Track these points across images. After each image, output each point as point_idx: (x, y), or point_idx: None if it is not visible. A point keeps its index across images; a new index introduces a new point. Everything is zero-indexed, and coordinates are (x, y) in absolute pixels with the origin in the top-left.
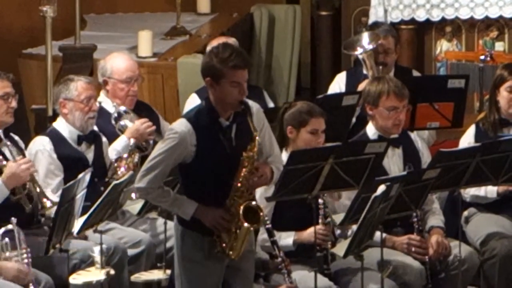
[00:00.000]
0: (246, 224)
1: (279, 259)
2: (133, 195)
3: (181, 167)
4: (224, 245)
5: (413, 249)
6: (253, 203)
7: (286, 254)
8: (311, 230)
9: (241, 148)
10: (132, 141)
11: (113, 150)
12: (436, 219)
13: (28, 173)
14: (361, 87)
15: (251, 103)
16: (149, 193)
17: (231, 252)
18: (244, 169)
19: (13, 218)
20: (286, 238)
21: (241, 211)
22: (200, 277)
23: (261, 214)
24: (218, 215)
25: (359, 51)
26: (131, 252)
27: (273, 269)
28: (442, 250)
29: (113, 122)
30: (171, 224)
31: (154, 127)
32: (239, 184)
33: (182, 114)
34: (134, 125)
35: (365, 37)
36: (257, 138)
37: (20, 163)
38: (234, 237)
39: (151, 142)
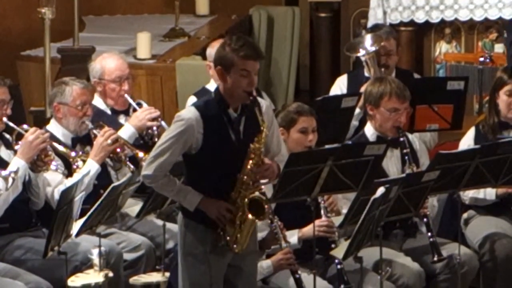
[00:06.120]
0: (251, 216)
1: (273, 224)
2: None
3: (187, 158)
4: (228, 238)
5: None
6: (259, 195)
7: None
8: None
9: (249, 141)
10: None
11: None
12: None
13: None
14: (363, 89)
15: (261, 100)
16: (155, 181)
17: (235, 246)
18: (250, 161)
19: None
20: (291, 238)
21: (246, 203)
22: (203, 272)
23: (266, 206)
24: (223, 207)
25: (361, 53)
26: (130, 256)
27: (271, 241)
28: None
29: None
30: (169, 226)
31: (156, 113)
32: (245, 177)
33: None
34: (134, 113)
35: (367, 39)
36: (264, 130)
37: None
38: (238, 230)
39: (155, 131)
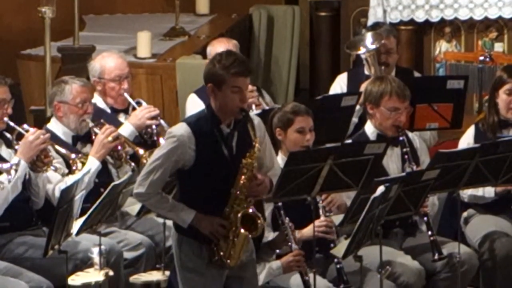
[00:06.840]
0: (243, 231)
1: (285, 226)
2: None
3: (180, 174)
4: (221, 253)
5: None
6: (251, 210)
7: None
8: (312, 225)
9: (242, 156)
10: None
11: None
12: None
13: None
14: (363, 87)
15: (252, 115)
16: (147, 199)
17: (229, 261)
18: (243, 176)
19: None
20: None
21: (239, 219)
22: (201, 285)
23: (259, 221)
24: (216, 223)
25: (362, 51)
26: (131, 254)
27: (281, 242)
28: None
29: None
30: (170, 224)
31: (155, 112)
32: (238, 192)
33: (184, 115)
34: (134, 111)
35: (368, 37)
36: (256, 145)
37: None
38: (231, 245)
39: (155, 130)
